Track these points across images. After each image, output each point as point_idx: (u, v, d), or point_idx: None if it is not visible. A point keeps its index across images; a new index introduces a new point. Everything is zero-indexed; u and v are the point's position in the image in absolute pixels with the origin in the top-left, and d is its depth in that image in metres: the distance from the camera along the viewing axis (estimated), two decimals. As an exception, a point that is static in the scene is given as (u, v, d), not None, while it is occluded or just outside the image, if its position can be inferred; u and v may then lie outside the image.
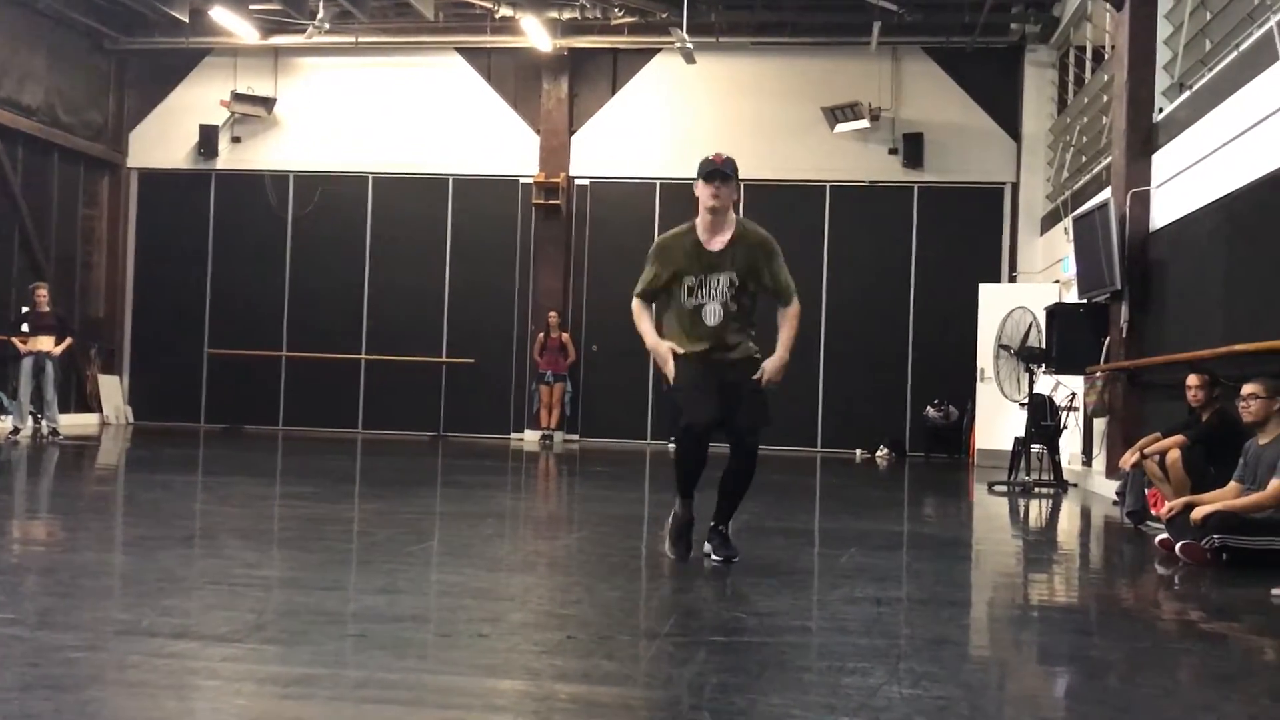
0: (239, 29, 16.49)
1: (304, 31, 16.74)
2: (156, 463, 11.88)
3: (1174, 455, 7.58)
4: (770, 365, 5.73)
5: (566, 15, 16.63)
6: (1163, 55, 10.78)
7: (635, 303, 5.95)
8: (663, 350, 5.78)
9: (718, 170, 5.75)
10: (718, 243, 5.79)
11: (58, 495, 9.18)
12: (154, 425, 17.79)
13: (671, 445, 6.06)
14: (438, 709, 3.26)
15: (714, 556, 5.80)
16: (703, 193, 5.79)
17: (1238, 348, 7.82)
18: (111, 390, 18.24)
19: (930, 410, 16.36)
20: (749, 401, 5.75)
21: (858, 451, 16.53)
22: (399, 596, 4.83)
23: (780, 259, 5.87)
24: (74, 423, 16.29)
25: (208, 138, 18.19)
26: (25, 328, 14.24)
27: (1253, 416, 6.67)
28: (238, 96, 17.86)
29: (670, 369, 5.76)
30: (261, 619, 4.28)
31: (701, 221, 5.84)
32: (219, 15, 16.01)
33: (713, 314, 5.76)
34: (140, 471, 11.22)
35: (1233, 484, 6.74)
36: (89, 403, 17.82)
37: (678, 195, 16.90)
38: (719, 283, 5.76)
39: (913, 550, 7.10)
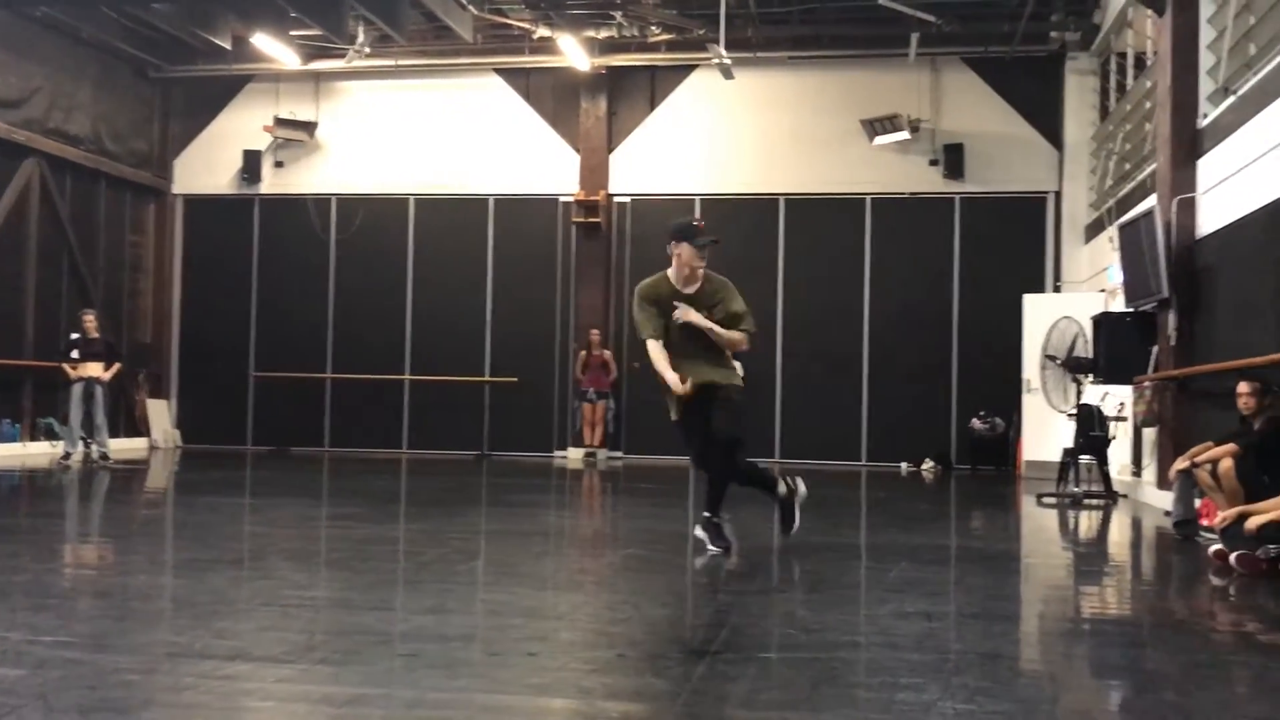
0: (281, 55, 16.71)
1: (344, 56, 16.94)
2: (204, 485, 11.99)
3: (1226, 464, 7.49)
4: (694, 315, 6.73)
5: (604, 34, 16.72)
6: (1206, 60, 10.68)
7: (652, 344, 6.85)
8: (675, 382, 6.74)
9: (710, 239, 6.78)
10: (691, 288, 6.85)
11: (108, 519, 9.29)
12: (201, 448, 17.97)
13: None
14: (490, 729, 3.27)
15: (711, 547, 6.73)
16: (688, 253, 6.75)
17: (1289, 354, 7.72)
18: (159, 414, 18.45)
19: (976, 422, 16.23)
20: (722, 409, 6.73)
21: (903, 465, 16.43)
22: (448, 616, 4.84)
23: (737, 293, 6.91)
24: (123, 447, 16.48)
25: (251, 163, 18.42)
26: (75, 354, 14.41)
27: (1306, 424, 6.58)
28: (280, 121, 18.08)
29: (679, 390, 6.73)
30: (313, 640, 4.30)
31: (679, 274, 6.85)
32: (261, 42, 16.22)
33: (693, 345, 6.80)
34: (189, 494, 11.31)
35: (1288, 493, 6.65)
36: (138, 427, 18.04)
37: (717, 210, 16.93)
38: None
39: (962, 564, 7.04)
